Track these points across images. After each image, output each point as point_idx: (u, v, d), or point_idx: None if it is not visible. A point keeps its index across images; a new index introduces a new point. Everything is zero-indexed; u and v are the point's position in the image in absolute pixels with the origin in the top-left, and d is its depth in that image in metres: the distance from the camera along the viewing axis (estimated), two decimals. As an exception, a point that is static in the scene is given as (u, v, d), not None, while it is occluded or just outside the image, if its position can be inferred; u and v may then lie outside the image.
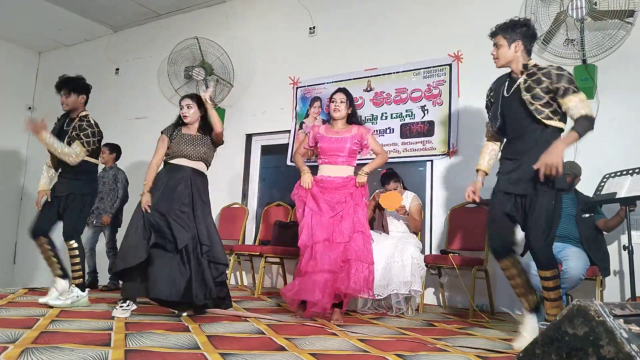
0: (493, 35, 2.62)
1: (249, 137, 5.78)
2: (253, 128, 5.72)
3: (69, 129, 3.52)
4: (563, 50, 3.98)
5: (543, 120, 2.44)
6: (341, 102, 3.37)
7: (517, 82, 2.53)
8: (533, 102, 2.43)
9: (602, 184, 3.40)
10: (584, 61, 3.89)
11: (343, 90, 3.44)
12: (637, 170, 3.23)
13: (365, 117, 4.89)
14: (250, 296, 4.31)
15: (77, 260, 3.44)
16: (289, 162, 5.32)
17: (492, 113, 2.67)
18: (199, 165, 3.24)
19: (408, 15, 4.89)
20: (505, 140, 2.68)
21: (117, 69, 7.02)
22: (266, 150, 5.80)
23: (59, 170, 3.59)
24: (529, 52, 2.58)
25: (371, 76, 4.95)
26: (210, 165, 3.33)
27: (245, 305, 3.64)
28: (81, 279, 3.42)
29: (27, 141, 7.72)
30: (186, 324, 2.84)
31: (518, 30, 2.55)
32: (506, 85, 2.60)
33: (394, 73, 4.83)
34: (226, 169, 5.65)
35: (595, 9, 3.79)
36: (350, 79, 5.05)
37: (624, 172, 3.31)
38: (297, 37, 5.51)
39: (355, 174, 3.35)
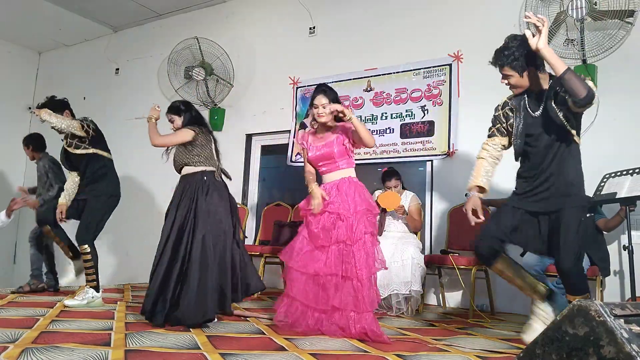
0: (496, 65, 2.41)
1: (249, 137, 5.78)
2: (253, 128, 5.72)
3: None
4: (563, 50, 3.98)
5: (574, 137, 2.36)
6: (323, 107, 2.95)
7: (544, 102, 2.37)
8: (566, 121, 2.34)
9: (602, 184, 3.40)
10: (584, 61, 3.89)
11: (322, 91, 2.99)
12: (637, 170, 3.23)
13: (365, 117, 4.89)
14: (251, 296, 4.30)
15: (90, 264, 3.48)
16: (289, 162, 5.32)
17: (516, 132, 2.45)
18: (185, 170, 3.18)
19: (408, 15, 4.89)
20: (520, 159, 2.52)
21: (117, 69, 7.02)
22: (266, 150, 5.80)
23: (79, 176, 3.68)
24: (541, 68, 2.39)
25: (371, 76, 4.94)
26: (195, 161, 3.16)
27: (245, 305, 3.64)
28: (95, 282, 3.46)
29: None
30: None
31: (519, 55, 2.32)
32: (527, 103, 2.43)
33: (394, 73, 4.83)
34: (226, 169, 5.64)
35: (595, 9, 3.79)
36: (350, 79, 5.05)
37: (624, 172, 3.31)
38: (297, 37, 5.51)
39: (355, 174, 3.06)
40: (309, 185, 3.00)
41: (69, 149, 3.58)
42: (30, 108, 7.77)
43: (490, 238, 2.43)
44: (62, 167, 3.88)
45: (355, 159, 3.15)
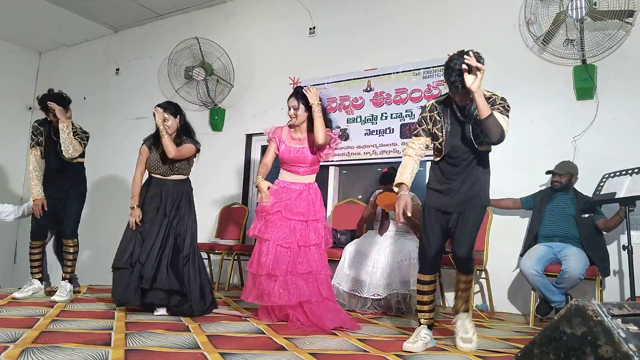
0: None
1: (249, 137, 5.78)
2: (253, 128, 5.72)
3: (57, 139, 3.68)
4: (563, 50, 3.99)
5: (478, 147, 2.52)
6: (294, 109, 3.13)
7: (468, 109, 2.53)
8: (476, 127, 2.50)
9: (602, 184, 3.40)
10: (584, 61, 3.90)
11: (294, 95, 3.15)
12: (636, 170, 3.24)
13: (365, 117, 4.89)
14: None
15: (76, 256, 3.80)
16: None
17: (445, 136, 2.59)
18: (175, 177, 3.46)
19: (408, 15, 4.89)
20: (439, 160, 2.65)
21: (117, 69, 7.02)
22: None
23: (46, 174, 3.77)
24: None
25: (371, 76, 4.95)
26: (187, 172, 3.52)
27: (245, 305, 3.65)
28: (74, 273, 3.83)
29: (28, 141, 7.71)
30: (186, 324, 2.84)
31: (459, 77, 2.45)
32: (455, 109, 2.57)
33: (393, 73, 4.83)
34: (226, 169, 5.66)
35: (595, 9, 3.79)
36: (350, 79, 5.06)
37: (624, 172, 3.32)
38: (297, 37, 5.51)
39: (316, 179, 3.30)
40: (257, 177, 3.21)
41: (64, 157, 3.66)
42: (30, 108, 7.78)
43: (435, 244, 2.60)
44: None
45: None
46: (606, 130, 3.81)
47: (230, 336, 2.56)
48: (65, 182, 3.74)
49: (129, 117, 6.60)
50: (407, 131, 4.67)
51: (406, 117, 4.69)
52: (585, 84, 3.87)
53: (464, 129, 2.54)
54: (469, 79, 2.34)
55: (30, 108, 7.79)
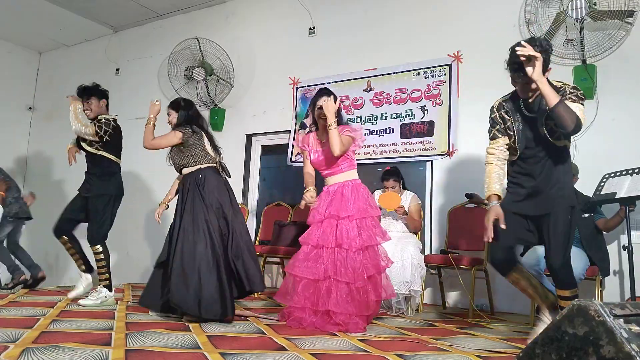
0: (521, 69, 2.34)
1: (249, 137, 5.78)
2: (253, 128, 5.72)
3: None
4: (563, 50, 3.98)
5: (555, 142, 2.40)
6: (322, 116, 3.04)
7: (537, 103, 2.42)
8: (549, 121, 2.38)
9: (602, 184, 3.40)
10: (584, 61, 3.90)
11: (326, 93, 3.11)
12: (637, 170, 3.24)
13: (365, 117, 4.89)
14: (251, 296, 4.30)
15: (103, 263, 3.55)
16: (289, 162, 5.33)
17: (517, 133, 2.47)
18: (185, 171, 3.27)
19: (408, 15, 4.89)
20: (515, 160, 2.53)
21: (117, 69, 7.02)
22: (266, 150, 5.80)
23: (86, 170, 3.67)
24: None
25: (371, 76, 4.95)
26: (193, 162, 3.25)
27: (246, 305, 3.64)
28: (108, 280, 3.54)
29: (28, 141, 7.72)
30: (186, 324, 2.84)
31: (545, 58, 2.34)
32: (521, 104, 2.47)
33: (393, 73, 4.83)
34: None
35: (595, 9, 3.79)
36: (350, 79, 5.06)
37: (624, 172, 3.32)
38: (297, 37, 5.51)
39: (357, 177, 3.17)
40: (306, 187, 3.09)
41: (82, 143, 3.63)
42: (30, 108, 7.77)
43: (503, 249, 2.48)
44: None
45: (355, 159, 3.22)
46: (606, 130, 3.81)
47: (230, 336, 2.56)
48: (90, 179, 3.61)
49: (129, 117, 6.55)
50: (407, 131, 4.67)
51: (406, 117, 4.69)
52: (585, 84, 3.87)
53: (536, 124, 2.42)
54: (528, 69, 2.23)
55: (30, 108, 7.79)
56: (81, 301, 3.41)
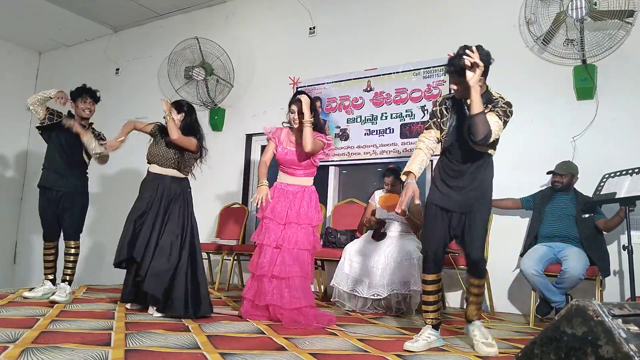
0: (456, 69, 2.46)
1: (249, 137, 5.78)
2: (253, 128, 5.72)
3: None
4: (563, 50, 3.98)
5: (473, 145, 2.50)
6: (299, 112, 3.18)
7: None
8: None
9: (602, 184, 3.40)
10: (584, 61, 3.90)
11: (298, 99, 3.22)
12: (637, 170, 3.23)
13: (365, 117, 4.89)
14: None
15: (76, 259, 3.69)
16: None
17: (448, 130, 2.58)
18: (172, 172, 3.39)
19: (408, 15, 4.89)
20: (444, 156, 2.64)
21: (117, 69, 7.02)
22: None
23: (53, 166, 3.71)
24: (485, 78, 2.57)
25: (371, 76, 4.95)
26: (186, 170, 3.45)
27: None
28: (73, 277, 3.66)
29: (28, 141, 7.72)
30: (186, 324, 2.84)
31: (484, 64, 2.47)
32: (464, 104, 2.54)
33: (393, 73, 4.83)
34: (226, 169, 5.65)
35: (595, 9, 3.79)
36: (350, 79, 5.06)
37: (624, 172, 3.31)
38: (297, 37, 5.51)
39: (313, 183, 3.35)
40: (260, 179, 3.25)
41: (84, 154, 3.75)
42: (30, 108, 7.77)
43: (437, 243, 2.59)
44: None
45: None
46: (606, 130, 3.81)
47: (230, 336, 2.56)
48: (69, 177, 3.68)
49: (129, 117, 6.56)
50: (407, 131, 4.67)
51: (406, 117, 4.69)
52: (585, 84, 3.87)
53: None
54: (468, 74, 2.35)
55: (30, 108, 7.78)
56: (56, 298, 3.39)
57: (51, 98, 3.65)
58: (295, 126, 3.24)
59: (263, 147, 5.77)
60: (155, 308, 3.12)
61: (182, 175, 3.42)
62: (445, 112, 2.61)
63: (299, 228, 3.15)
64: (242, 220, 5.20)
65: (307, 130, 3.10)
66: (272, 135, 3.35)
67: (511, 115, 2.48)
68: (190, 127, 3.43)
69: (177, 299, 3.06)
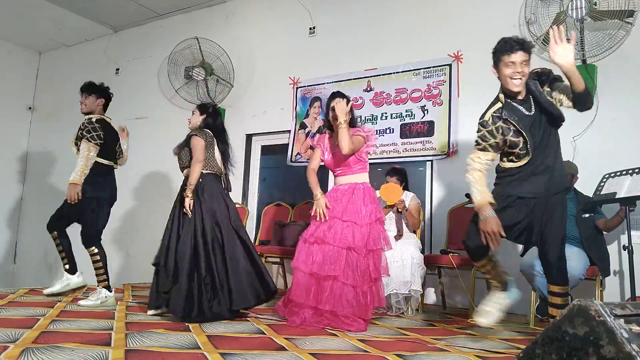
0: (524, 48, 2.39)
1: (249, 137, 5.78)
2: (253, 128, 5.72)
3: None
4: (563, 50, 3.98)
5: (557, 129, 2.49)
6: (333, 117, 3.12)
7: (535, 98, 2.47)
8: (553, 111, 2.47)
9: (602, 184, 3.40)
10: (584, 61, 3.89)
11: (339, 95, 3.19)
12: (637, 170, 3.23)
13: (365, 117, 4.89)
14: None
15: (100, 264, 3.56)
16: (289, 162, 5.32)
17: (525, 130, 2.43)
18: (187, 172, 3.30)
19: (408, 15, 4.89)
20: (525, 164, 2.50)
21: (117, 69, 7.02)
22: (266, 150, 5.80)
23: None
24: None
25: (371, 76, 4.94)
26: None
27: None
28: (106, 281, 3.54)
29: (28, 141, 7.72)
30: (186, 324, 2.84)
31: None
32: (515, 106, 2.46)
33: (394, 73, 4.83)
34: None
35: (595, 9, 3.79)
36: (350, 79, 5.06)
37: (624, 172, 3.31)
38: (297, 37, 5.51)
39: (370, 181, 3.25)
40: (313, 190, 3.15)
41: (74, 148, 3.64)
42: (30, 108, 7.77)
43: (477, 236, 2.45)
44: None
45: (368, 161, 3.26)
46: (606, 130, 3.81)
47: (230, 336, 2.56)
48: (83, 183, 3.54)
49: (128, 117, 6.57)
50: (407, 131, 4.67)
51: (406, 117, 4.69)
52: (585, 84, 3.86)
53: (539, 121, 2.46)
54: (570, 56, 2.31)
55: (30, 108, 7.79)
56: (81, 302, 3.41)
57: None
58: (335, 124, 3.12)
59: (263, 147, 5.80)
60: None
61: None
62: (504, 125, 2.45)
63: (344, 225, 3.00)
64: (242, 220, 5.19)
65: (342, 132, 2.97)
66: (317, 143, 3.32)
67: None
68: (212, 129, 3.42)
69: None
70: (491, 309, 2.57)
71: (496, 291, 2.63)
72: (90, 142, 3.48)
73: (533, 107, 2.47)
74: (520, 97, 2.47)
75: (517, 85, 2.41)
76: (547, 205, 2.44)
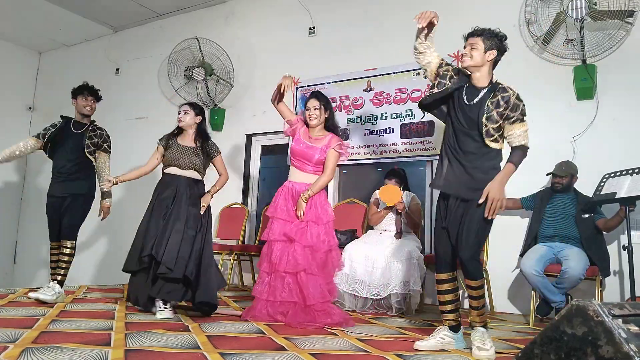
0: (472, 35, 2.61)
1: (249, 137, 5.78)
2: (253, 128, 5.72)
3: (79, 132, 3.72)
4: (563, 50, 3.98)
5: (488, 142, 2.49)
6: (315, 109, 3.28)
7: (480, 96, 2.52)
8: (487, 124, 2.48)
9: (602, 184, 3.40)
10: (584, 61, 3.90)
11: (316, 96, 3.34)
12: (637, 170, 3.23)
13: (365, 117, 4.89)
14: (251, 296, 4.30)
15: (70, 259, 3.64)
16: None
17: (447, 103, 2.66)
18: (191, 174, 3.39)
19: (408, 15, 4.86)
20: (448, 141, 2.70)
21: (117, 69, 7.02)
22: (266, 150, 5.80)
23: (57, 170, 3.72)
24: (494, 66, 2.61)
25: (371, 76, 4.94)
26: (203, 172, 3.49)
27: (246, 305, 3.64)
28: (64, 277, 3.61)
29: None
30: (186, 324, 2.84)
31: (497, 40, 2.55)
32: (465, 90, 2.57)
33: (394, 73, 4.83)
34: (226, 168, 5.64)
35: (595, 9, 3.79)
36: (350, 79, 5.06)
37: (624, 172, 3.31)
38: (297, 37, 5.51)
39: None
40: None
41: (86, 151, 3.70)
42: (30, 108, 7.77)
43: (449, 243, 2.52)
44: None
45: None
46: (606, 130, 3.81)
47: (230, 336, 2.56)
48: (73, 179, 3.67)
49: (128, 117, 6.59)
50: (407, 131, 4.67)
51: (406, 117, 4.69)
52: (585, 84, 3.87)
53: (469, 113, 2.53)
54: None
55: (30, 108, 7.79)
56: (33, 294, 3.38)
57: None
58: (310, 123, 3.29)
59: (263, 147, 5.80)
60: (162, 302, 3.09)
61: (201, 178, 3.48)
62: (455, 75, 2.62)
63: (307, 225, 3.13)
64: (242, 220, 5.20)
65: (313, 192, 3.19)
66: (295, 123, 3.39)
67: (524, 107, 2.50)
68: (205, 133, 3.52)
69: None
70: (434, 343, 2.47)
71: (446, 329, 2.52)
72: (108, 153, 3.76)
73: (476, 101, 2.52)
74: (475, 82, 2.56)
75: (462, 61, 2.59)
76: (464, 209, 2.50)
